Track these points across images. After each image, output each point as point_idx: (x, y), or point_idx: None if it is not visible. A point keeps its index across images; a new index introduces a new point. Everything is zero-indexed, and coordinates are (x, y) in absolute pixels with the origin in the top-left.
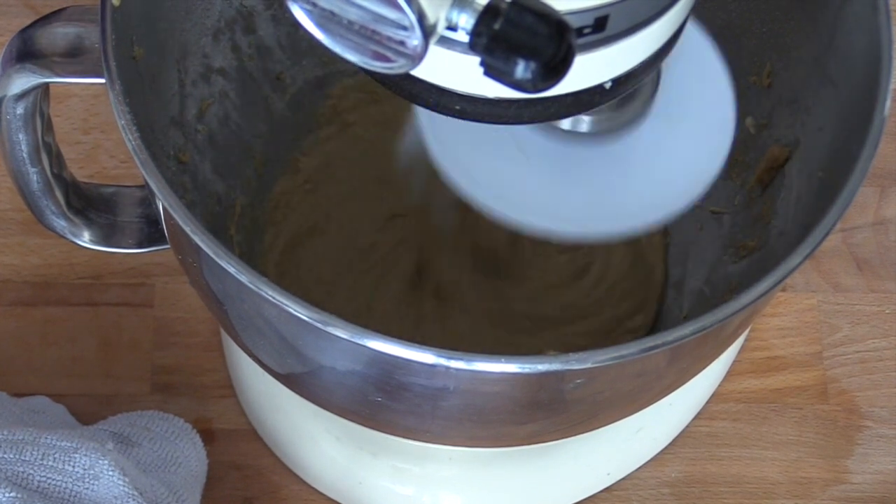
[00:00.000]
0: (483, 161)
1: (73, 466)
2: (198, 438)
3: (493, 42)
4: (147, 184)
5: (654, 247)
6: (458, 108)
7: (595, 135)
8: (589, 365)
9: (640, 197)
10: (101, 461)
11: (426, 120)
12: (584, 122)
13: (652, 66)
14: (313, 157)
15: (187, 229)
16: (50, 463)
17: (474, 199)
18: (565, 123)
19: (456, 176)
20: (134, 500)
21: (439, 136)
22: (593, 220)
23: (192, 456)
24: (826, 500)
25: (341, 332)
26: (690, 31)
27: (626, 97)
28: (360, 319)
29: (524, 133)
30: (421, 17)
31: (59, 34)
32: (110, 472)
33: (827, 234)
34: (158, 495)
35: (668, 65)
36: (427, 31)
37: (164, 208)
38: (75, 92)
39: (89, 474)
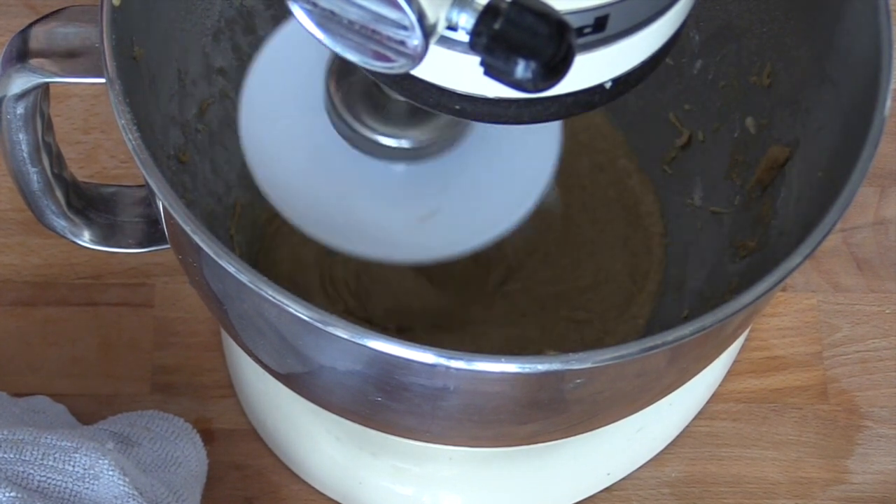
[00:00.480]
0: (308, 189)
1: (74, 466)
2: (198, 438)
3: (494, 42)
4: (147, 183)
5: (654, 247)
6: (458, 107)
7: (419, 151)
8: (589, 365)
9: (464, 218)
10: (101, 461)
11: (250, 145)
12: (410, 138)
13: (652, 66)
14: None
15: (187, 229)
16: (50, 463)
17: (305, 231)
18: (390, 140)
19: (284, 207)
20: (134, 499)
21: (264, 162)
22: (419, 245)
23: (192, 456)
24: (826, 500)
25: (341, 332)
26: None
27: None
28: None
29: (345, 151)
30: (421, 17)
31: (59, 34)
32: (110, 472)
33: (827, 235)
34: (158, 495)
35: None
36: (427, 31)
37: (164, 208)
38: (75, 92)
39: (89, 474)
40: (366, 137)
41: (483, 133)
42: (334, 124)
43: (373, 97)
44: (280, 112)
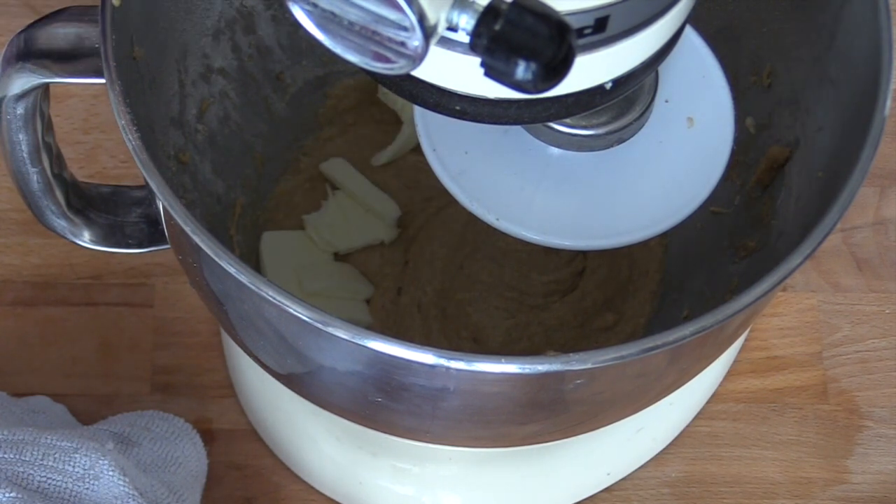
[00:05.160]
0: (479, 167)
1: (74, 466)
2: (198, 438)
3: (494, 43)
4: (147, 184)
5: (654, 247)
6: (458, 108)
7: (594, 140)
8: (589, 365)
9: (640, 206)
10: (101, 461)
11: (422, 123)
12: (586, 126)
13: (652, 67)
14: (314, 157)
15: (187, 229)
16: (50, 463)
17: (471, 208)
18: (564, 127)
19: (452, 184)
20: (134, 500)
21: (434, 139)
22: (594, 233)
23: (192, 456)
24: (826, 500)
25: (342, 332)
26: (687, 34)
27: (625, 103)
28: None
29: (522, 136)
30: (422, 18)
31: (60, 34)
32: (110, 472)
33: (827, 235)
34: (158, 495)
35: (665, 69)
36: (428, 32)
37: (164, 208)
38: (75, 92)
39: (89, 474)
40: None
41: (658, 124)
42: None
43: None
44: None
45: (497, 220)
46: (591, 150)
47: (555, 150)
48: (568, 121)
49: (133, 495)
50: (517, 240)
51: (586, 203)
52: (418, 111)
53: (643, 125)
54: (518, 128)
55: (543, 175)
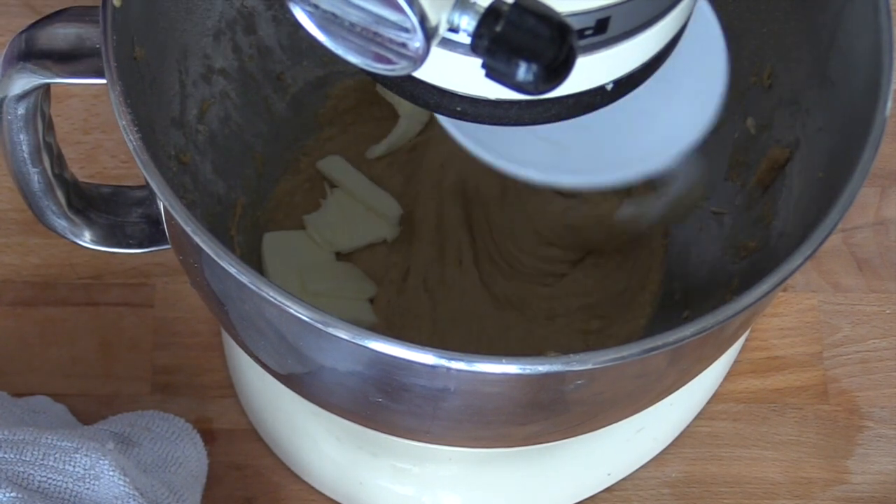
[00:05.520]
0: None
1: (74, 466)
2: (198, 438)
3: (495, 44)
4: (148, 184)
5: (655, 247)
6: (459, 109)
7: None
8: (590, 366)
9: (636, 145)
10: (101, 461)
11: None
12: None
13: (653, 68)
14: (314, 158)
15: (188, 230)
16: (50, 463)
17: (469, 148)
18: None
19: (452, 127)
20: (134, 500)
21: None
22: (591, 169)
23: (192, 456)
24: (826, 501)
25: (342, 332)
26: None
27: None
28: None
29: None
30: (423, 19)
31: (60, 34)
32: (111, 472)
33: (828, 235)
34: (159, 495)
35: None
36: (429, 33)
37: (164, 209)
38: (76, 92)
39: (90, 474)
40: None
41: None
42: None
43: None
44: None
45: (496, 159)
46: None
47: None
48: None
49: (133, 495)
50: (519, 241)
51: (585, 142)
52: None
53: None
54: None
55: None
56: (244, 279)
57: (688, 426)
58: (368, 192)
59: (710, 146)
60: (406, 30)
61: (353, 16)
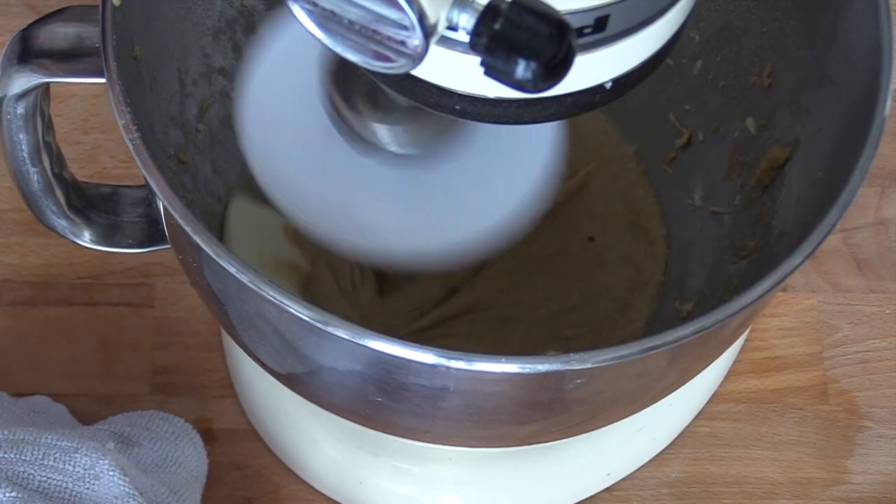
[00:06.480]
0: (308, 187)
1: (74, 466)
2: (198, 438)
3: (494, 42)
4: (147, 184)
5: (655, 247)
6: (458, 107)
7: (412, 157)
8: (589, 365)
9: (458, 214)
10: (101, 461)
11: (252, 147)
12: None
13: (653, 66)
14: None
15: (188, 229)
16: (50, 463)
17: (303, 225)
18: (392, 145)
19: (283, 201)
20: (134, 500)
21: (265, 160)
22: (409, 238)
23: (192, 456)
24: (826, 501)
25: (342, 332)
26: None
27: (440, 119)
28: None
29: (349, 155)
30: (422, 17)
31: (60, 34)
32: (111, 472)
33: (827, 235)
34: (159, 495)
35: None
36: (428, 31)
37: (164, 208)
38: (75, 92)
39: (90, 474)
40: (363, 139)
41: (479, 134)
42: (334, 125)
43: (370, 98)
44: (281, 110)
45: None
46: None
47: (372, 162)
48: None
49: (133, 495)
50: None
51: (405, 214)
52: (245, 132)
53: (460, 138)
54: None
55: (364, 188)
56: (244, 278)
57: (687, 426)
58: None
59: (709, 146)
60: (405, 28)
61: (351, 14)
